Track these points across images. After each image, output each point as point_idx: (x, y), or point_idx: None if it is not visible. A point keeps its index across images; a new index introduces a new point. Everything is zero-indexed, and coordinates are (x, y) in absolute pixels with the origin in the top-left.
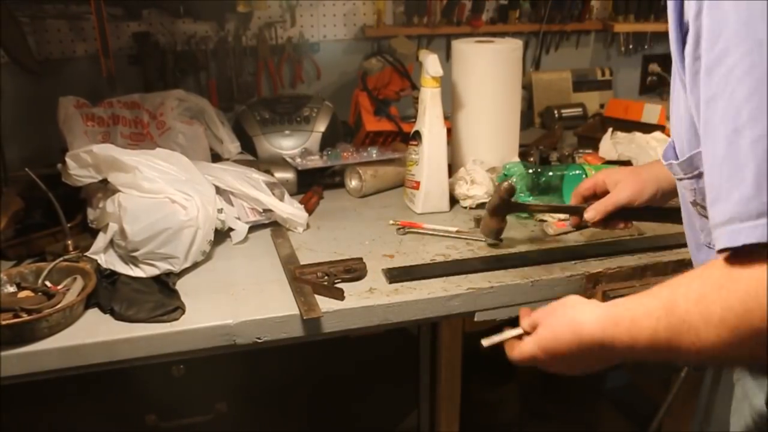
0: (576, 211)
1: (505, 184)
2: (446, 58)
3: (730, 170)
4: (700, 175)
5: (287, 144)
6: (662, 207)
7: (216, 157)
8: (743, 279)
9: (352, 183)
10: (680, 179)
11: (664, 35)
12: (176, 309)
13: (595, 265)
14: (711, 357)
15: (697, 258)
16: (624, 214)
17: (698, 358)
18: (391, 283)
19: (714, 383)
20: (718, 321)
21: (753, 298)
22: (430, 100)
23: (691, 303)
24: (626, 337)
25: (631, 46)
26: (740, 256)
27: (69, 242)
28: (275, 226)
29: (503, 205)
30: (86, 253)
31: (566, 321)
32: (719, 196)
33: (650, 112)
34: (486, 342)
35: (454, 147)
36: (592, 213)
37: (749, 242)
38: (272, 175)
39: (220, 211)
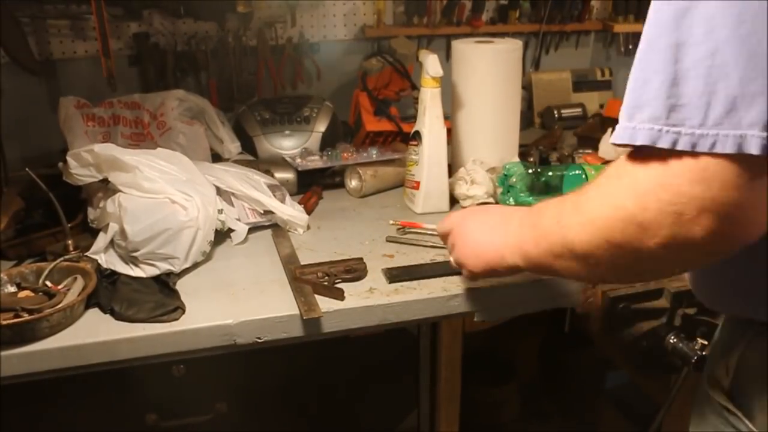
0: None
1: None
2: (446, 58)
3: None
4: None
5: (287, 144)
6: None
7: (216, 157)
8: (628, 173)
9: (352, 183)
10: None
11: None
12: (176, 309)
13: None
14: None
15: None
16: None
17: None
18: (391, 283)
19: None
20: (589, 206)
21: (628, 192)
22: (430, 101)
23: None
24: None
25: (631, 47)
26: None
27: (69, 242)
28: (276, 227)
29: None
30: (87, 253)
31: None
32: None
33: None
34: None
35: (454, 147)
36: None
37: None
38: (272, 175)
39: (220, 211)
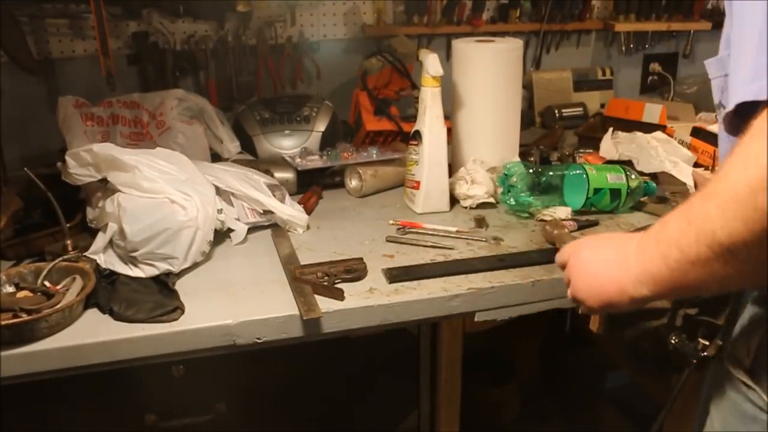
0: None
1: None
2: (446, 57)
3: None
4: None
5: (287, 144)
6: None
7: (216, 157)
8: (761, 133)
9: (352, 183)
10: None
11: (665, 34)
12: (175, 309)
13: None
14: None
15: None
16: None
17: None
18: (391, 283)
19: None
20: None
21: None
22: (430, 100)
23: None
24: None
25: (632, 46)
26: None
27: (68, 242)
28: (275, 227)
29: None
30: (85, 253)
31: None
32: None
33: (651, 111)
34: None
35: (455, 147)
36: None
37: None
38: (272, 175)
39: (219, 211)
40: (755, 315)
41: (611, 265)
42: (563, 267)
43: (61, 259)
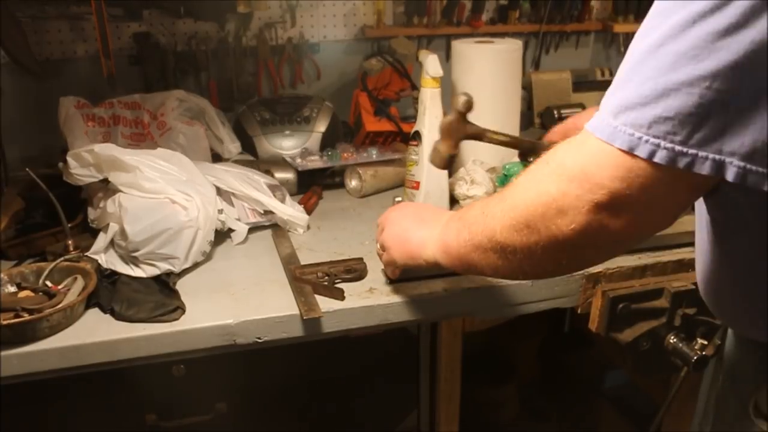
0: (539, 147)
1: (463, 97)
2: (446, 58)
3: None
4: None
5: (287, 144)
6: None
7: (216, 157)
8: (556, 159)
9: (352, 183)
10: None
11: None
12: (176, 309)
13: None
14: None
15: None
16: None
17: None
18: (391, 283)
19: (714, 383)
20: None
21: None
22: (430, 101)
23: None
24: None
25: None
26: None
27: (69, 242)
28: (276, 227)
29: (459, 125)
30: (87, 253)
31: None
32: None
33: None
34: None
35: None
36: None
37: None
38: (272, 175)
39: (220, 211)
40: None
41: (423, 224)
42: (382, 224)
43: (62, 259)
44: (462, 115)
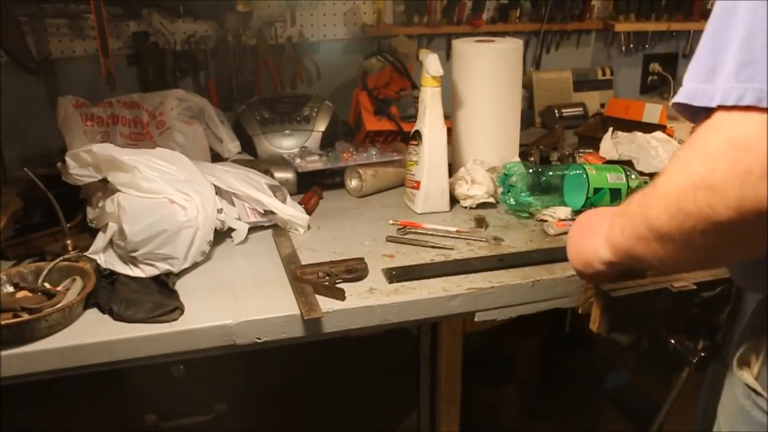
0: None
1: None
2: (446, 57)
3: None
4: None
5: (287, 144)
6: None
7: (216, 157)
8: (699, 138)
9: (352, 183)
10: None
11: (665, 34)
12: (175, 309)
13: None
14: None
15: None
16: None
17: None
18: (391, 283)
19: (714, 383)
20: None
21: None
22: (430, 100)
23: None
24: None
25: (632, 46)
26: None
27: (68, 242)
28: (276, 227)
29: None
30: (85, 253)
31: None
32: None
33: (651, 111)
34: None
35: (455, 147)
36: None
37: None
38: (272, 175)
39: (219, 211)
40: (764, 321)
41: (592, 229)
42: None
43: (61, 258)
44: None
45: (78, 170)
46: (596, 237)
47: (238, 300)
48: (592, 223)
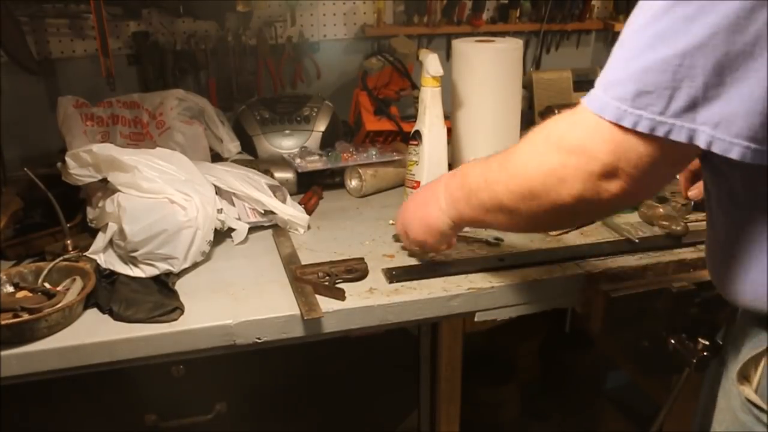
0: None
1: None
2: (446, 57)
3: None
4: None
5: (287, 143)
6: None
7: (216, 157)
8: (556, 132)
9: (352, 183)
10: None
11: None
12: (175, 309)
13: (595, 265)
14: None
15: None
16: None
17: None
18: (391, 283)
19: (714, 383)
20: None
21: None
22: (430, 100)
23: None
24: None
25: None
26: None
27: (68, 242)
28: (276, 227)
29: None
30: (86, 253)
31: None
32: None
33: None
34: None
35: (455, 147)
36: (695, 192)
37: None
38: (272, 175)
39: (219, 211)
40: (763, 336)
41: (428, 203)
42: (402, 233)
43: (61, 258)
44: None
45: (78, 170)
46: (435, 207)
47: (238, 300)
48: (426, 197)
